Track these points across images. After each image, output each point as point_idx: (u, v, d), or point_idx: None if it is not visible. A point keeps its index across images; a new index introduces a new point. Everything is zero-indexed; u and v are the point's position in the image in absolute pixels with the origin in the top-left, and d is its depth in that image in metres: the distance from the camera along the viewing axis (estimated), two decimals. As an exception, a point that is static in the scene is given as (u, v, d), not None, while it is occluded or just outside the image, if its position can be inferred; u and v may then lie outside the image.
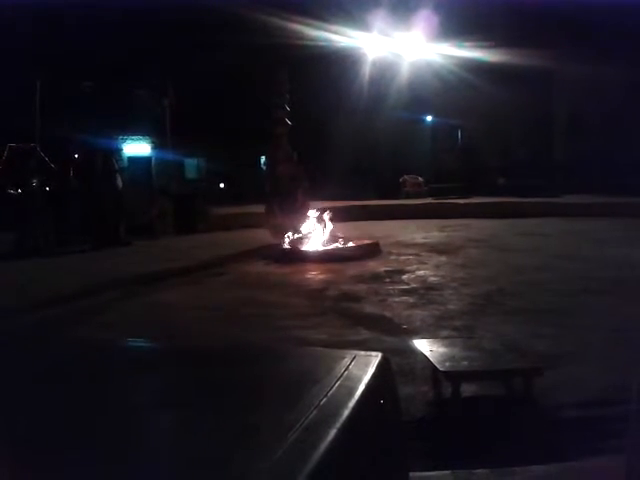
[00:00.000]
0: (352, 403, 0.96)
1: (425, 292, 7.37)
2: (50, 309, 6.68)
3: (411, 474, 1.54)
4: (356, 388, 1.02)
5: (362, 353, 1.23)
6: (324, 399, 0.97)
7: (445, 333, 5.54)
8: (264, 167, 14.36)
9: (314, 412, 0.92)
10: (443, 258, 10.05)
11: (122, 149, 21.76)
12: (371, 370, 1.12)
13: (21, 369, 1.31)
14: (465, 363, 3.88)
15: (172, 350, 1.45)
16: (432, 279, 8.24)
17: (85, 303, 7.23)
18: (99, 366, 1.31)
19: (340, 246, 10.87)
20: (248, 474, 0.79)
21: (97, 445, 0.93)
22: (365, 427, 0.99)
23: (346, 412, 0.92)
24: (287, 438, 0.83)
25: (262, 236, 12.09)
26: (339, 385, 1.03)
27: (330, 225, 11.28)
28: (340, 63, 20.50)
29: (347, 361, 1.15)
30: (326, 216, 11.32)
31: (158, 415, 1.04)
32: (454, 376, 3.80)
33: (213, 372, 1.21)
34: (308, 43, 18.03)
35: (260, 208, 12.90)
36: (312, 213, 11.43)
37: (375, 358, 1.19)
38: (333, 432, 0.85)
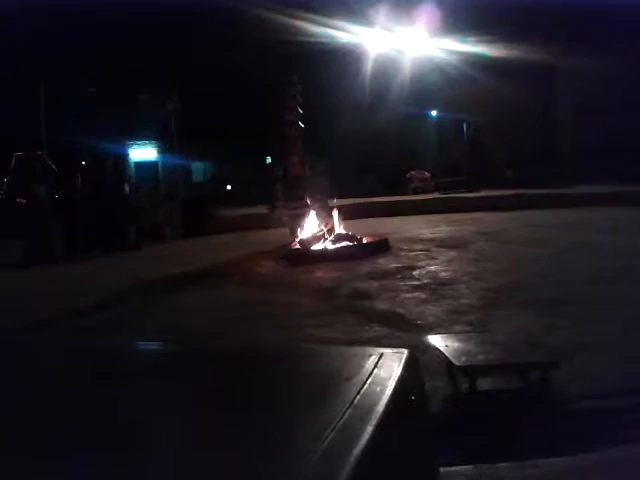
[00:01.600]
0: (386, 400, 0.96)
1: (437, 287, 7.36)
2: (78, 319, 6.58)
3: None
4: (388, 385, 1.02)
5: (389, 350, 1.23)
6: (358, 397, 0.97)
7: (459, 328, 5.53)
8: (273, 169, 14.15)
9: (349, 410, 0.92)
10: (453, 253, 10.03)
11: (129, 154, 21.84)
12: (400, 367, 1.12)
13: (43, 375, 1.32)
14: (481, 357, 3.88)
15: (198, 352, 1.46)
16: (443, 274, 8.23)
17: (103, 313, 7.17)
18: (119, 370, 1.32)
19: (350, 244, 10.88)
20: (287, 475, 0.79)
21: (115, 455, 0.93)
22: (399, 424, 0.99)
23: (381, 409, 0.93)
24: (324, 437, 0.84)
25: (270, 237, 12.12)
26: (371, 382, 1.03)
27: (340, 223, 11.31)
28: (344, 59, 20.49)
29: (375, 358, 1.16)
30: (335, 214, 11.34)
31: (188, 418, 1.05)
32: (470, 371, 3.80)
33: (243, 373, 1.22)
34: (311, 40, 18.04)
35: (264, 209, 12.90)
36: (322, 211, 11.43)
37: (402, 355, 1.20)
38: (370, 430, 0.86)
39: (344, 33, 18.88)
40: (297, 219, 11.50)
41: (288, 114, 11.93)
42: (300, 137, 11.99)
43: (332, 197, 12.20)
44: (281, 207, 11.84)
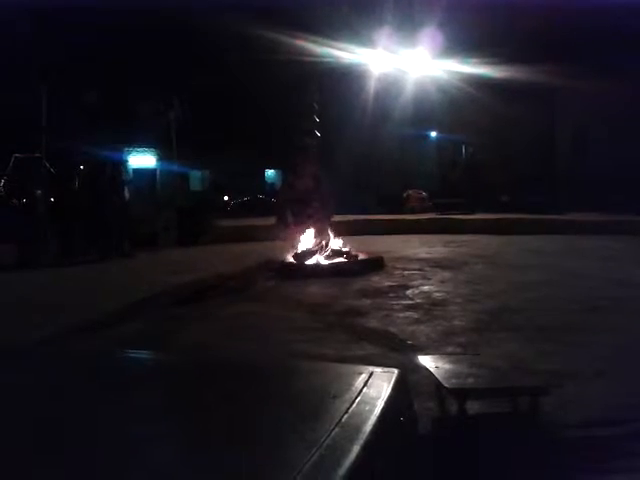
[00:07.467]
0: (374, 420, 0.95)
1: (429, 308, 7.34)
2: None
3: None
4: (377, 404, 1.01)
5: (379, 369, 1.22)
6: (346, 415, 0.96)
7: (450, 349, 5.51)
8: (283, 184, 13.83)
9: (337, 429, 0.91)
10: (447, 274, 10.03)
11: (128, 161, 21.84)
12: (390, 386, 1.11)
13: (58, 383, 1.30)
14: (471, 380, 3.85)
15: (189, 364, 1.44)
16: (436, 295, 8.21)
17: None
18: (98, 378, 1.30)
19: (344, 260, 10.86)
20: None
21: (109, 466, 0.91)
22: (386, 443, 0.98)
23: (369, 429, 0.91)
24: (311, 455, 0.82)
25: (264, 250, 12.06)
26: (360, 401, 1.02)
27: (335, 239, 11.28)
28: (345, 79, 20.57)
29: (365, 377, 1.15)
30: (331, 231, 11.32)
31: (175, 431, 1.03)
32: (459, 393, 3.77)
33: (231, 387, 1.21)
34: (313, 59, 18.11)
35: (262, 221, 12.84)
36: (320, 226, 11.38)
37: (392, 374, 1.19)
38: (356, 449, 0.84)
39: (346, 53, 18.96)
40: (297, 233, 11.41)
41: (306, 122, 11.81)
42: (316, 146, 11.87)
43: (333, 212, 12.10)
44: (285, 221, 11.67)
